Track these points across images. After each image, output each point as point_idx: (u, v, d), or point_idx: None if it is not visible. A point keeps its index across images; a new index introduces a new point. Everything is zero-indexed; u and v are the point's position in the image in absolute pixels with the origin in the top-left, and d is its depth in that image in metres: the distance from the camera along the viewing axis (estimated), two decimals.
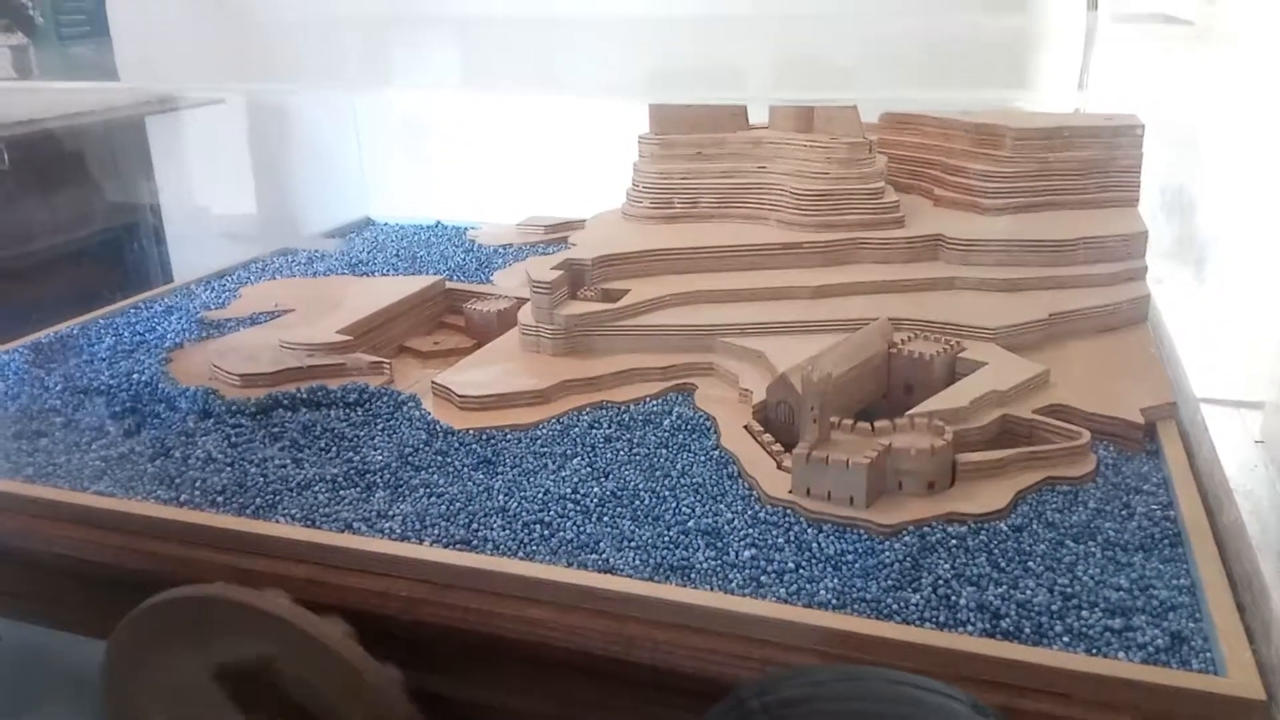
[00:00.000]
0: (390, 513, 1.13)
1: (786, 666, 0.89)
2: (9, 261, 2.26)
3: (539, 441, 1.28)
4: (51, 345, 1.67)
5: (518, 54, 1.43)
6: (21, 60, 2.30)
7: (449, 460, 1.25)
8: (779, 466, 1.17)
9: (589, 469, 1.21)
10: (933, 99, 1.72)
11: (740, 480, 1.18)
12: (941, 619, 0.93)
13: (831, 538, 1.05)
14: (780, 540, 1.05)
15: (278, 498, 1.17)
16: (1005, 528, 1.06)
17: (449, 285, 1.83)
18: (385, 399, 1.40)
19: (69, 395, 1.47)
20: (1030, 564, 1.00)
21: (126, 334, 1.70)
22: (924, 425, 1.13)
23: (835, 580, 0.99)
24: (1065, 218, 1.66)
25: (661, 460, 1.23)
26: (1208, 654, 0.87)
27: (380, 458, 1.25)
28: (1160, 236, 1.70)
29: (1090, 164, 1.69)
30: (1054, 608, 0.94)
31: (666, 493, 1.15)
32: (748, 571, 1.00)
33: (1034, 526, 1.07)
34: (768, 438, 1.23)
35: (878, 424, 1.13)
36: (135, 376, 1.50)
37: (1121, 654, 0.88)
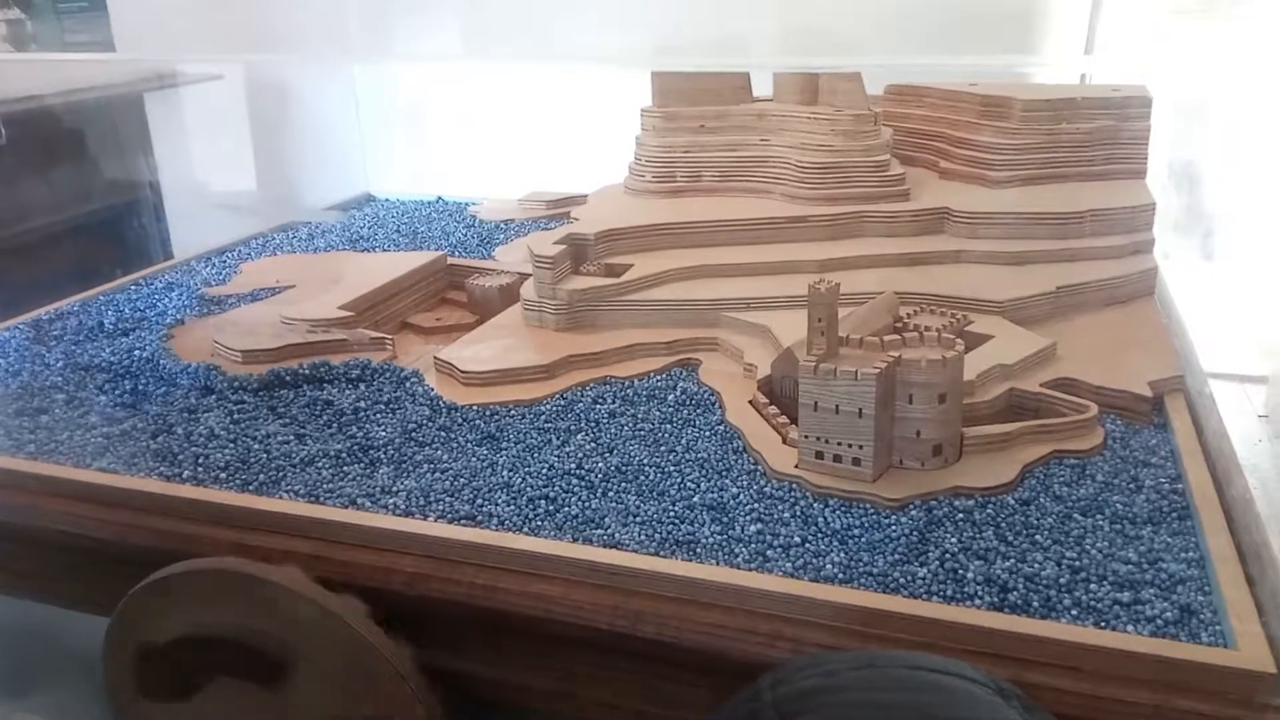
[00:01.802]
0: (394, 488, 1.13)
1: (803, 654, 0.88)
2: (9, 238, 2.25)
3: (543, 417, 1.28)
4: (52, 322, 1.66)
5: (520, 24, 1.41)
6: (18, 34, 2.28)
7: (453, 436, 1.24)
8: (784, 441, 1.17)
9: (593, 444, 1.20)
10: (938, 64, 1.71)
11: (745, 455, 1.17)
12: (949, 593, 0.93)
13: (838, 512, 1.05)
14: (786, 514, 1.05)
15: (281, 474, 1.17)
16: (1012, 501, 1.06)
17: (450, 261, 1.82)
18: (388, 375, 1.40)
19: (70, 372, 1.46)
20: (1038, 537, 1.00)
21: (127, 310, 1.70)
22: (934, 339, 1.12)
23: (842, 554, 0.98)
24: (1072, 189, 1.65)
25: (666, 435, 1.22)
26: (1217, 627, 0.87)
27: (384, 434, 1.24)
28: (1168, 209, 1.69)
29: (1098, 135, 1.67)
30: (1062, 581, 0.93)
31: (671, 468, 1.15)
32: (753, 546, 1.00)
33: (1041, 500, 1.06)
34: (773, 410, 1.22)
35: (887, 338, 1.12)
36: (137, 353, 1.50)
37: (1130, 627, 0.87)
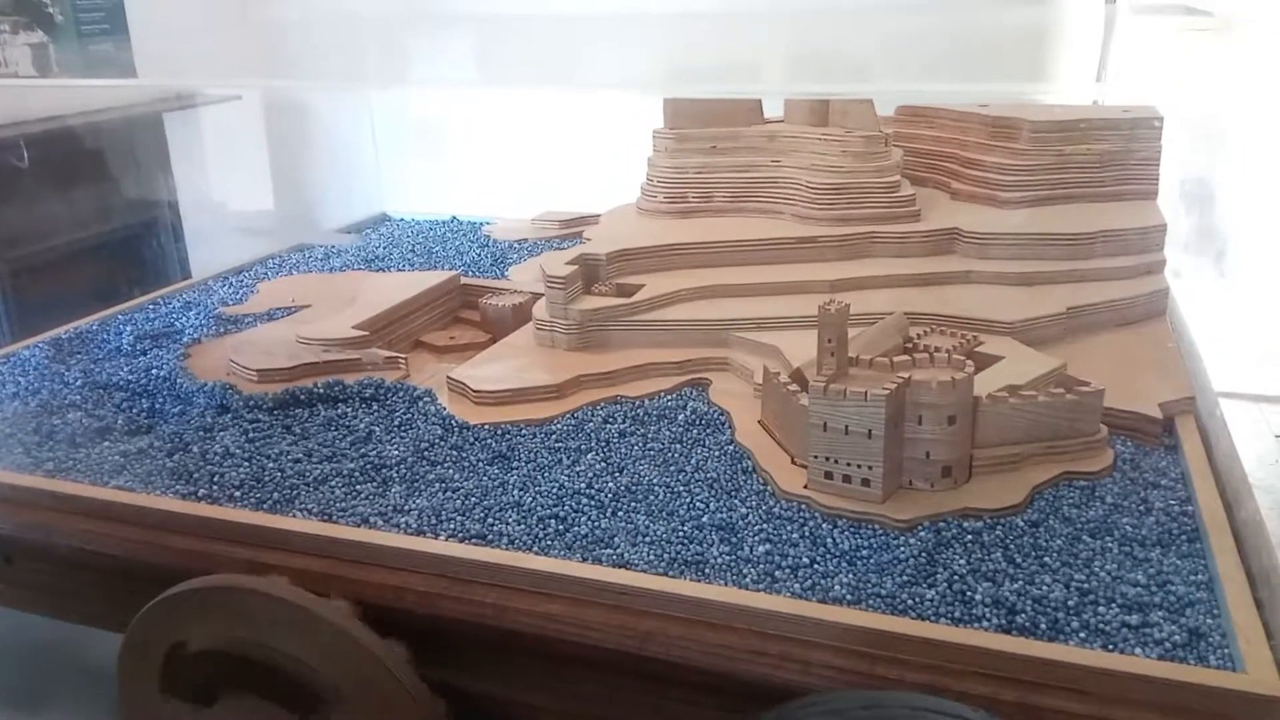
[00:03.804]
0: (406, 507, 1.14)
1: (804, 695, 0.87)
2: (30, 257, 2.27)
3: (554, 436, 1.29)
4: (71, 341, 1.69)
5: (534, 49, 1.43)
6: (41, 57, 2.31)
7: (464, 455, 1.25)
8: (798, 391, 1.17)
9: (604, 464, 1.21)
10: (949, 92, 1.72)
11: (755, 475, 1.18)
12: (957, 614, 0.93)
13: (846, 533, 1.05)
14: (795, 535, 1.05)
15: (295, 492, 1.18)
16: (1021, 523, 1.06)
17: (464, 280, 1.84)
18: (401, 394, 1.41)
19: (89, 390, 1.48)
20: (1046, 559, 1.00)
21: (146, 329, 1.71)
22: (943, 360, 1.12)
23: (850, 575, 0.98)
24: (1083, 211, 1.65)
25: (676, 455, 1.23)
26: (1226, 650, 0.87)
27: (396, 452, 1.26)
28: (1179, 229, 1.69)
29: (1108, 156, 1.68)
30: (1070, 603, 0.93)
31: (681, 488, 1.15)
32: (762, 566, 1.00)
33: (1050, 522, 1.06)
34: (783, 377, 1.22)
35: (897, 359, 1.12)
36: (154, 372, 1.51)
37: (1138, 650, 0.87)
